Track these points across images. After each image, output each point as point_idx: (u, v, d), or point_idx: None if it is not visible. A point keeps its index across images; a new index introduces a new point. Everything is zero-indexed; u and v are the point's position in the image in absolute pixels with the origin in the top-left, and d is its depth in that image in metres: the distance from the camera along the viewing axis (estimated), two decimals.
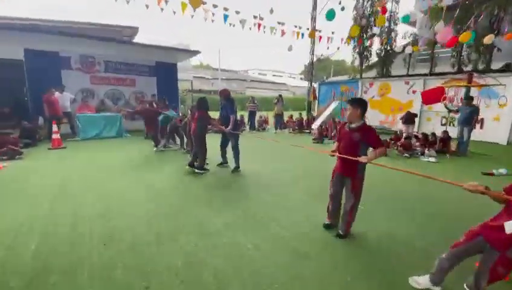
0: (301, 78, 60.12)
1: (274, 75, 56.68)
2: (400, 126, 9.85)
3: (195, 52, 11.38)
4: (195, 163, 5.00)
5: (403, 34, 14.16)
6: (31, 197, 3.58)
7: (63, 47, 9.23)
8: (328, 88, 16.45)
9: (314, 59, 15.53)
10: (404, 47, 12.76)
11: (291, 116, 12.75)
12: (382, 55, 14.34)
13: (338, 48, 11.18)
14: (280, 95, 11.98)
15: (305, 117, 13.59)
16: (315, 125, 11.17)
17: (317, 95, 16.06)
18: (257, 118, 12.67)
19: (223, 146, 5.39)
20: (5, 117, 8.17)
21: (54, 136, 7.01)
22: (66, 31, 9.26)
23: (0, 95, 8.62)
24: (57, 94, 8.28)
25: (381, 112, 13.60)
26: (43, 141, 7.60)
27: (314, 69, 16.86)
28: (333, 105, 12.83)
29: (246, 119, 12.52)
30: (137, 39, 12.50)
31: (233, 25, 8.76)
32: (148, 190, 3.95)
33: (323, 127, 9.94)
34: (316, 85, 16.74)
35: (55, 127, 7.07)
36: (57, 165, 5.36)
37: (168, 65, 11.59)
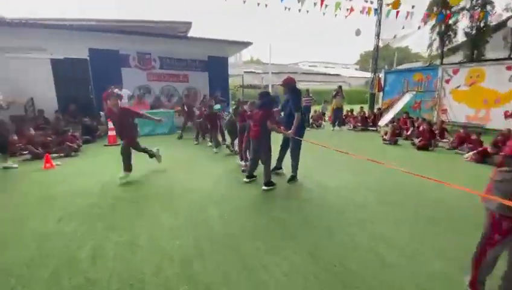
0: (356, 69, 55.27)
1: (326, 67, 53.14)
2: (499, 123, 7.62)
3: (246, 44, 10.70)
4: (254, 173, 4.17)
5: (504, 6, 11.07)
6: (61, 207, 3.24)
7: (123, 45, 9.49)
8: (396, 78, 14.12)
9: (381, 44, 13.41)
10: (505, 21, 9.96)
11: (351, 111, 11.19)
12: (473, 33, 11.48)
13: (419, 27, 9.05)
14: (340, 87, 10.52)
15: (367, 112, 11.82)
16: (383, 122, 9.49)
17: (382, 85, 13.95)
18: (311, 113, 11.46)
19: (284, 148, 4.49)
20: (71, 114, 8.70)
21: (110, 133, 7.10)
22: (126, 29, 9.51)
23: (68, 93, 9.25)
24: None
25: (470, 105, 10.96)
26: (103, 138, 7.84)
27: (375, 57, 14.62)
28: (407, 97, 10.79)
29: None
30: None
31: (289, 8, 7.76)
32: (189, 208, 3.30)
33: (395, 124, 8.25)
34: (381, 74, 14.57)
35: (110, 124, 7.15)
36: (104, 164, 5.24)
37: (220, 59, 11.21)
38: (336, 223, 2.87)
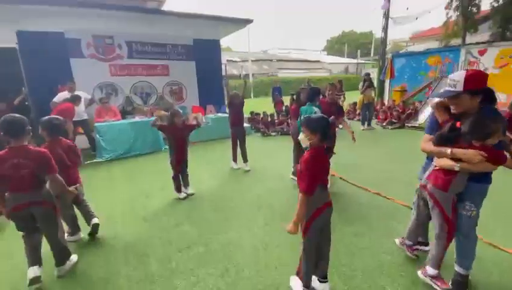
0: (326, 55, 54.15)
1: (297, 54, 50.51)
2: None
3: (246, 22, 8.12)
4: None
5: None
6: None
7: (70, 25, 6.44)
8: (406, 62, 12.53)
9: (393, 23, 11.62)
10: None
11: (384, 105, 9.26)
12: (501, 6, 10.05)
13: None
14: (368, 74, 8.44)
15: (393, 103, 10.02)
16: (424, 117, 7.70)
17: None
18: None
19: None
20: None
21: None
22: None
23: None
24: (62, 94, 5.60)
25: (500, 90, 9.66)
26: None
27: (383, 40, 12.85)
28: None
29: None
30: None
31: None
32: None
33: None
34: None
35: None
36: None
37: (209, 43, 8.49)
38: None
